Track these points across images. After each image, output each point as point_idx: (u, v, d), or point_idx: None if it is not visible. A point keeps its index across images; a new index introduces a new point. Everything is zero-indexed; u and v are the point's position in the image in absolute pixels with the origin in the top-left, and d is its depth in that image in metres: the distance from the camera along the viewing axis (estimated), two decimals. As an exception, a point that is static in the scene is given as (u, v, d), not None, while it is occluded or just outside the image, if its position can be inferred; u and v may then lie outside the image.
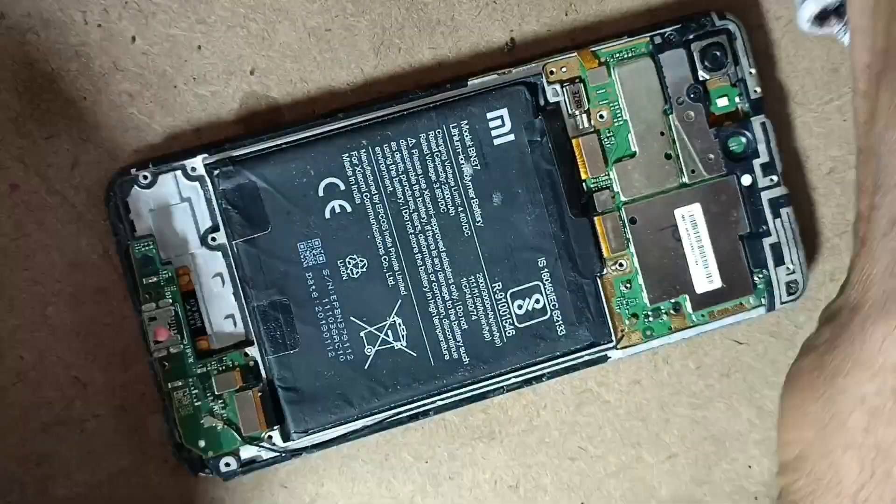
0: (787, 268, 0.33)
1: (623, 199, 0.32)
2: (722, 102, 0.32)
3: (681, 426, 0.34)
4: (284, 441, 0.31)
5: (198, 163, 0.30)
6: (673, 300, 0.32)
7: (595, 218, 0.31)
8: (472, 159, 0.31)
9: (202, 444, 0.31)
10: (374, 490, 0.33)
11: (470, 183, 0.31)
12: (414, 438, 0.33)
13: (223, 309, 0.31)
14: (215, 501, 0.32)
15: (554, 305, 0.31)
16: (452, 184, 0.31)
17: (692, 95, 0.32)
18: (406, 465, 0.33)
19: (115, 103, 0.31)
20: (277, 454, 0.31)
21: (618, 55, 0.32)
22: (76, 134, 0.31)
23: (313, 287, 0.30)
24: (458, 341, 0.31)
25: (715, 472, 0.34)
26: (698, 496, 0.34)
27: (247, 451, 0.31)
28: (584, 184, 0.32)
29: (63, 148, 0.30)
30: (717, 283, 0.32)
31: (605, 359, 0.32)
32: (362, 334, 0.31)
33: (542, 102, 0.31)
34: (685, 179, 0.32)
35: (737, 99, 0.32)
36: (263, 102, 0.31)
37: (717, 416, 0.34)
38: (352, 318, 0.31)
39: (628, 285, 0.32)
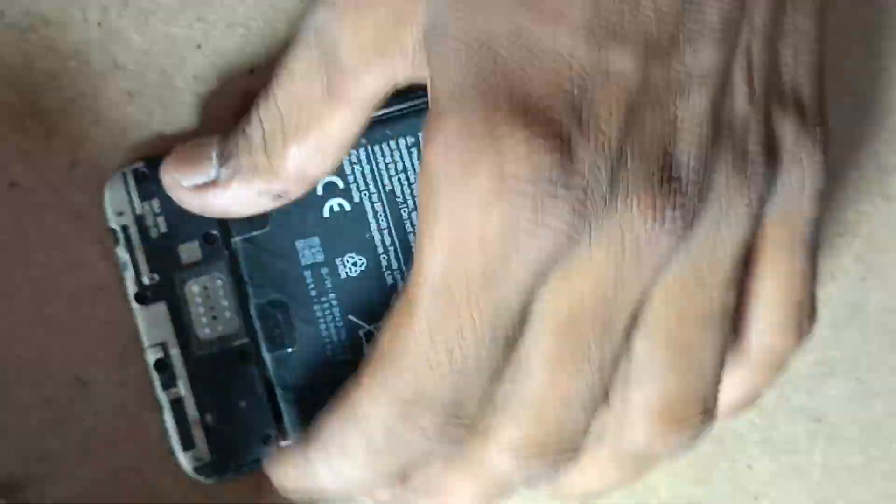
0: None
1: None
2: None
3: (680, 426, 0.34)
4: (282, 440, 0.31)
5: None
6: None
7: None
8: None
9: None
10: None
11: None
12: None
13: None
14: (214, 500, 0.32)
15: None
16: None
17: None
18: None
19: (115, 102, 0.31)
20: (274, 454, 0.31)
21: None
22: (76, 132, 0.30)
23: (312, 286, 0.30)
24: None
25: (714, 473, 0.34)
26: (697, 496, 0.34)
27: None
28: None
29: (62, 146, 0.30)
30: None
31: None
32: (361, 333, 0.31)
33: None
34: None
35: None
36: (263, 101, 0.31)
37: (716, 415, 0.34)
38: (350, 316, 0.31)
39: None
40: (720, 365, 0.27)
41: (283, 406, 0.30)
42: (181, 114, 0.31)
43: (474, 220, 0.24)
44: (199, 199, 0.29)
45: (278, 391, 0.30)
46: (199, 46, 0.31)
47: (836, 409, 0.35)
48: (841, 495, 0.35)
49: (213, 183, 0.29)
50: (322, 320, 0.30)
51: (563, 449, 0.26)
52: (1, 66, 0.30)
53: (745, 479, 0.34)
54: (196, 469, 0.31)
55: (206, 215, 0.29)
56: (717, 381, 0.27)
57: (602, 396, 0.26)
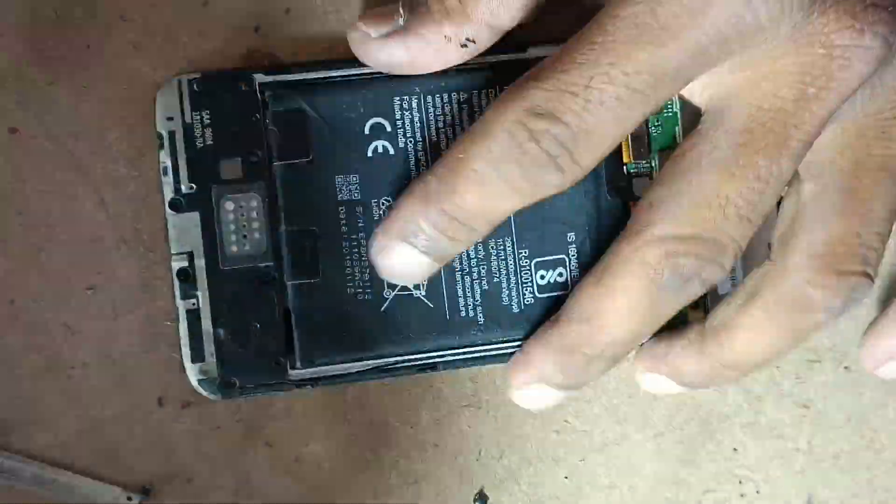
0: None
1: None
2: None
3: (668, 405, 0.34)
4: (290, 369, 0.31)
5: (253, 81, 0.30)
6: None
7: (630, 202, 0.31)
8: None
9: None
10: (359, 454, 0.33)
11: None
12: (400, 403, 0.33)
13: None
14: (199, 453, 0.32)
15: (576, 281, 0.31)
16: None
17: None
18: (391, 430, 0.33)
19: (119, 53, 0.31)
20: (281, 381, 0.31)
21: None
22: (78, 81, 0.31)
23: (344, 221, 0.30)
24: (477, 300, 0.31)
25: (700, 454, 0.34)
26: (682, 476, 0.34)
27: None
28: (625, 167, 0.32)
29: (64, 94, 0.31)
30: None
31: None
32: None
33: None
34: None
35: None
36: (267, 61, 0.31)
37: (704, 397, 0.34)
38: None
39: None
40: (889, 224, 0.28)
41: (296, 334, 0.30)
42: (185, 68, 0.31)
43: None
44: (387, 50, 0.29)
45: (294, 319, 0.30)
46: (204, 3, 0.31)
47: (824, 397, 0.35)
48: (825, 482, 0.35)
49: (401, 31, 0.29)
50: (348, 257, 0.30)
51: (714, 251, 0.27)
52: (6, 12, 0.30)
53: (731, 462, 0.34)
54: (200, 382, 0.31)
55: (393, 71, 0.29)
56: (882, 240, 0.28)
57: (760, 217, 0.27)
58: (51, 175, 0.31)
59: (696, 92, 0.28)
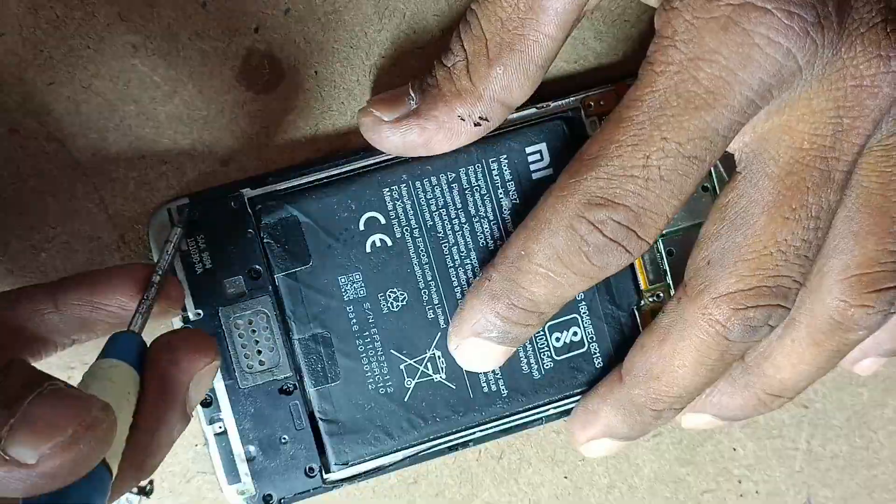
0: None
1: (660, 231, 0.32)
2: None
3: (667, 405, 0.34)
4: (325, 473, 0.31)
5: (241, 197, 0.30)
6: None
7: None
8: (510, 193, 0.31)
9: None
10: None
11: (509, 217, 0.31)
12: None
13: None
14: None
15: (591, 338, 0.31)
16: (491, 218, 0.31)
17: None
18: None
19: (119, 54, 0.31)
20: (318, 486, 0.31)
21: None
22: (78, 82, 0.31)
23: (354, 320, 0.31)
24: (497, 374, 0.31)
25: (699, 453, 0.34)
26: (682, 476, 0.34)
27: None
28: None
29: (64, 95, 0.31)
30: None
31: None
32: (402, 367, 0.31)
33: (580, 135, 0.31)
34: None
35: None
36: (266, 61, 0.31)
37: (703, 396, 0.34)
38: (392, 351, 0.31)
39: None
40: None
41: (326, 439, 0.31)
42: (183, 69, 0.31)
43: (710, 36, 0.25)
44: (401, 134, 0.29)
45: (321, 424, 0.31)
46: (204, 4, 0.31)
47: (823, 396, 0.35)
48: (824, 482, 0.35)
49: (414, 113, 0.29)
50: (364, 355, 0.31)
51: (779, 296, 0.27)
52: (7, 13, 0.30)
53: (730, 462, 0.34)
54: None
55: (407, 153, 0.29)
56: None
57: (816, 250, 0.27)
58: (51, 175, 0.31)
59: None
